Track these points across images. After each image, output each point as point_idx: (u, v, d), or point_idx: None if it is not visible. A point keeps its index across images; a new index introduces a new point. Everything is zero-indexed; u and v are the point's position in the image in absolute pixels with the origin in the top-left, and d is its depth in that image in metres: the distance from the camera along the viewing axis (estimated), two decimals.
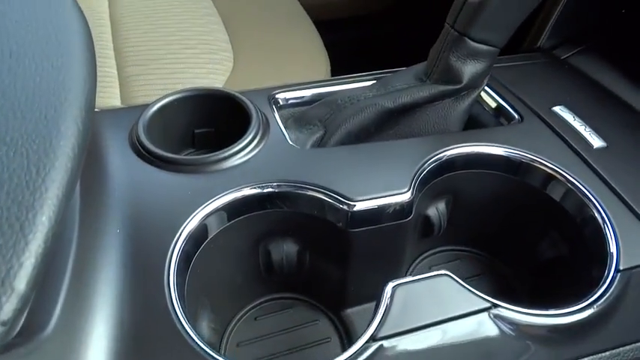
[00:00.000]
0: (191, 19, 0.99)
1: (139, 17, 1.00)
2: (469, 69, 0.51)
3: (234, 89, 0.85)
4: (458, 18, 0.50)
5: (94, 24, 1.02)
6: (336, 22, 1.62)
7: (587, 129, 0.54)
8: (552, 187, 0.50)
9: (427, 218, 0.53)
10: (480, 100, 0.60)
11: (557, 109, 0.56)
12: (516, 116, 0.55)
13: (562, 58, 0.67)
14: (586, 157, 0.50)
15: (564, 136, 0.52)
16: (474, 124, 0.60)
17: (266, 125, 0.50)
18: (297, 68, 0.89)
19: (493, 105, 0.59)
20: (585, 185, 0.48)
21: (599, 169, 0.49)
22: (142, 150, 0.46)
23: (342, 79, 0.59)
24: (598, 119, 0.55)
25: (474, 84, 0.53)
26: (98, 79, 0.91)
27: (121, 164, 0.46)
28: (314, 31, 1.01)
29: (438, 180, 0.51)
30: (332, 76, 0.95)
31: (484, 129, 0.53)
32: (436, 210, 0.53)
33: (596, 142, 0.52)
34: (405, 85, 0.54)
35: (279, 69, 0.89)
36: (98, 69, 0.99)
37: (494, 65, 0.63)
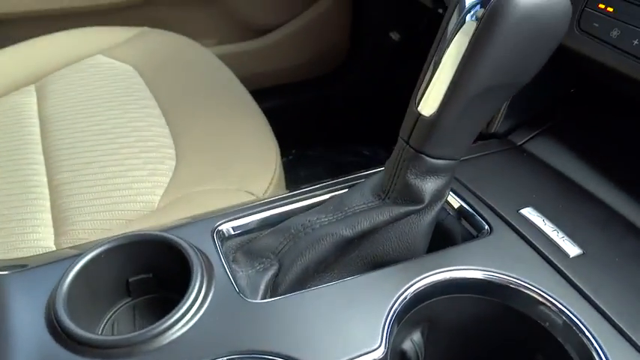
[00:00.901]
0: (128, 113, 0.92)
1: (70, 115, 0.93)
2: (430, 186, 0.47)
3: (178, 193, 0.79)
4: (412, 135, 0.46)
5: (21, 125, 0.94)
6: (282, 87, 1.60)
7: (560, 234, 0.50)
8: (534, 309, 0.45)
9: (403, 353, 0.47)
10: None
11: (525, 212, 0.52)
12: (485, 226, 0.51)
13: (518, 144, 0.64)
14: (564, 270, 0.46)
15: (539, 247, 0.48)
16: (439, 231, 0.55)
17: (210, 272, 0.44)
18: (245, 160, 0.84)
19: (456, 205, 0.55)
20: (568, 306, 0.44)
21: (579, 284, 0.45)
22: (58, 329, 0.38)
23: (293, 195, 0.54)
24: (568, 220, 0.52)
25: (437, 198, 0.49)
26: (24, 191, 0.82)
27: (32, 346, 0.38)
28: (259, 114, 0.96)
29: (411, 313, 0.46)
30: (282, 153, 0.90)
31: (455, 248, 0.49)
32: (411, 342, 0.47)
33: (572, 249, 0.48)
34: (363, 205, 0.49)
35: (226, 162, 0.83)
36: (25, 178, 0.90)
37: None
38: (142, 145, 0.86)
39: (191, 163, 0.83)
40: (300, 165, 1.67)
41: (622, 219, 0.53)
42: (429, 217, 0.50)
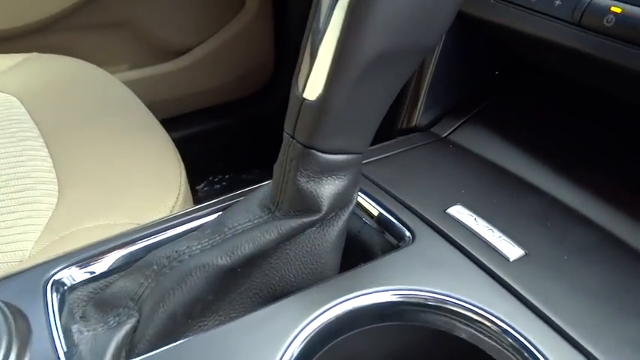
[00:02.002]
0: (2, 149, 0.79)
1: None
2: (327, 190, 0.37)
3: (56, 234, 0.66)
4: (297, 126, 0.36)
5: None
6: (208, 110, 1.49)
7: (496, 233, 0.41)
8: (471, 331, 0.35)
9: None
10: (356, 211, 0.46)
11: (453, 211, 0.43)
12: (407, 233, 0.41)
13: (443, 136, 0.56)
14: (504, 277, 0.37)
15: (471, 252, 0.39)
16: (356, 245, 0.45)
17: (24, 342, 0.31)
18: (141, 188, 0.72)
19: (374, 212, 0.45)
20: (513, 324, 0.34)
21: (524, 294, 0.36)
22: None
23: (179, 216, 0.43)
24: (504, 216, 0.43)
25: (341, 204, 0.39)
26: None
27: None
28: (161, 136, 0.85)
29: (318, 356, 0.35)
30: (214, 179, 0.78)
31: (368, 265, 0.39)
32: None
33: (512, 251, 0.39)
34: (248, 222, 0.38)
35: (118, 193, 0.71)
36: None
37: (366, 160, 0.50)
38: (16, 183, 0.72)
39: (76, 198, 0.70)
40: (236, 189, 1.57)
41: (564, 208, 0.45)
42: (335, 229, 0.39)
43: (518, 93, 0.60)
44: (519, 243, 0.40)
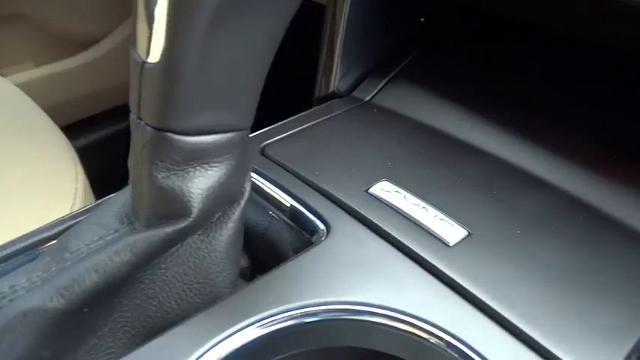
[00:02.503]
0: None
1: None
2: (198, 184, 0.27)
3: None
4: (141, 102, 0.26)
5: None
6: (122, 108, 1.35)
7: (431, 211, 0.32)
8: (400, 346, 0.27)
9: None
10: (260, 203, 0.37)
11: (377, 190, 0.34)
12: (320, 226, 0.32)
13: (366, 100, 0.47)
14: (446, 271, 0.29)
15: (402, 241, 0.30)
16: (263, 247, 0.36)
17: None
18: (26, 200, 0.60)
19: (285, 203, 0.36)
20: (462, 338, 0.26)
21: (473, 291, 0.28)
22: None
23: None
24: (439, 187, 0.35)
25: (226, 199, 0.29)
26: None
27: None
28: (57, 138, 0.72)
29: None
30: (99, 195, 0.67)
31: (269, 275, 0.29)
32: None
33: (452, 232, 0.31)
34: (97, 241, 0.28)
35: (3, 211, 0.59)
36: None
37: (272, 139, 0.41)
38: None
39: None
40: None
41: (511, 170, 0.37)
42: (224, 235, 0.30)
43: (448, 42, 0.52)
44: (460, 221, 0.32)
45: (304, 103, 0.51)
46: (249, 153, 0.32)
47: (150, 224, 0.27)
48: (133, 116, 0.27)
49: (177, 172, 0.27)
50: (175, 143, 0.26)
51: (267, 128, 0.43)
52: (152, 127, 0.26)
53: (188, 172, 0.27)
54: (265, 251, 0.37)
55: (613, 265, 0.29)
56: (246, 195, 0.31)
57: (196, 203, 0.27)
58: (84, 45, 1.25)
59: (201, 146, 0.27)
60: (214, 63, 0.25)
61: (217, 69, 0.25)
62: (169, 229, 0.27)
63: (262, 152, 0.40)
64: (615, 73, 0.43)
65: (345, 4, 0.49)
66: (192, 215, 0.27)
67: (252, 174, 0.38)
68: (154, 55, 0.25)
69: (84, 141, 1.13)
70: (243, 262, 0.40)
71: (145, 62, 0.25)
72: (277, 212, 0.36)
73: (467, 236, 0.31)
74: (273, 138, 0.41)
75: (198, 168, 0.27)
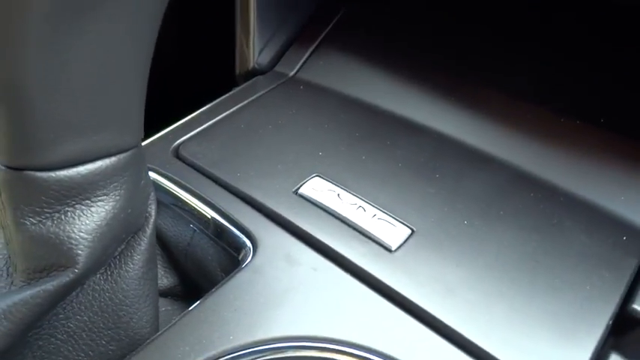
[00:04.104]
0: None
1: None
2: (81, 227, 0.22)
3: None
4: None
5: None
6: None
7: (370, 210, 0.29)
8: None
9: None
10: (179, 215, 0.32)
11: (307, 189, 0.30)
12: (247, 242, 0.28)
13: (291, 75, 0.42)
14: (391, 284, 0.25)
15: (338, 251, 0.27)
16: (191, 268, 0.32)
17: None
18: None
19: (204, 215, 0.31)
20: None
21: (425, 307, 0.25)
22: None
23: None
24: (376, 179, 0.31)
25: (126, 230, 0.24)
26: None
27: None
28: None
29: None
30: None
31: (189, 315, 0.25)
32: None
33: (393, 234, 0.27)
34: None
35: None
36: None
37: (185, 136, 0.36)
38: None
39: None
40: None
41: (456, 147, 0.33)
42: (133, 268, 0.25)
43: (365, 9, 0.46)
44: (402, 217, 0.28)
45: (229, 85, 0.45)
46: (157, 162, 0.27)
47: (29, 278, 0.22)
48: None
49: (50, 215, 0.21)
50: (39, 182, 0.21)
51: (179, 123, 0.37)
52: (6, 166, 0.20)
53: (66, 214, 0.22)
54: (191, 267, 0.32)
55: (567, 251, 0.27)
56: (152, 220, 0.26)
57: (82, 249, 0.22)
58: None
59: (75, 180, 0.21)
60: (70, 78, 0.19)
61: (76, 84, 0.20)
62: (53, 283, 0.22)
63: (176, 154, 0.34)
64: (561, 27, 0.39)
65: None
66: (80, 263, 0.22)
67: (166, 182, 0.33)
68: None
69: None
70: (170, 281, 0.36)
71: None
72: (198, 226, 0.31)
73: (410, 235, 0.27)
74: (187, 134, 0.36)
75: (77, 207, 0.22)
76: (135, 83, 0.22)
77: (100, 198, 0.22)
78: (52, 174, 0.21)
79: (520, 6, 0.40)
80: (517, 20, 0.40)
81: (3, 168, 0.20)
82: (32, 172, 0.20)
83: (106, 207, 0.23)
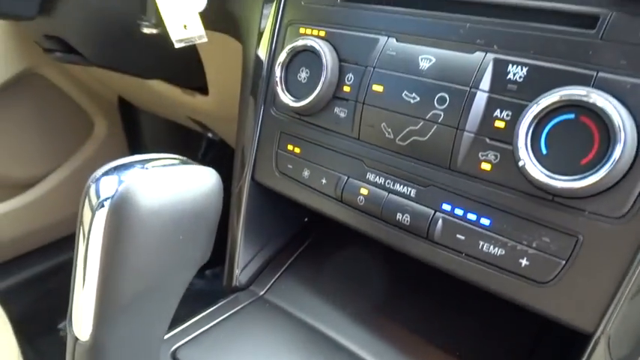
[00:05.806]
0: None
1: None
2: None
3: None
4: None
5: None
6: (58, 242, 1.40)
7: None
8: None
9: None
10: None
11: None
12: None
13: (261, 295, 0.59)
14: None
15: None
16: None
17: None
18: None
19: None
20: None
21: None
22: None
23: None
24: None
25: None
26: None
27: None
28: None
29: None
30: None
31: None
32: None
33: None
34: None
35: None
36: None
37: (180, 343, 0.52)
38: None
39: None
40: None
41: None
42: None
43: (329, 239, 0.65)
44: None
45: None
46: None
47: None
48: None
49: None
50: None
51: (179, 329, 0.54)
52: None
53: None
54: None
55: None
56: None
57: None
58: (22, 187, 1.33)
59: None
60: (133, 335, 0.36)
61: (135, 342, 0.37)
62: None
63: (173, 357, 0.50)
64: None
65: (242, 210, 0.61)
66: None
67: None
68: (84, 335, 0.36)
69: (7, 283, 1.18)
70: None
71: (77, 339, 0.36)
72: None
73: None
74: (184, 339, 0.52)
75: None
76: (158, 341, 0.39)
77: None
78: None
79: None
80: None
81: None
82: None
83: None
